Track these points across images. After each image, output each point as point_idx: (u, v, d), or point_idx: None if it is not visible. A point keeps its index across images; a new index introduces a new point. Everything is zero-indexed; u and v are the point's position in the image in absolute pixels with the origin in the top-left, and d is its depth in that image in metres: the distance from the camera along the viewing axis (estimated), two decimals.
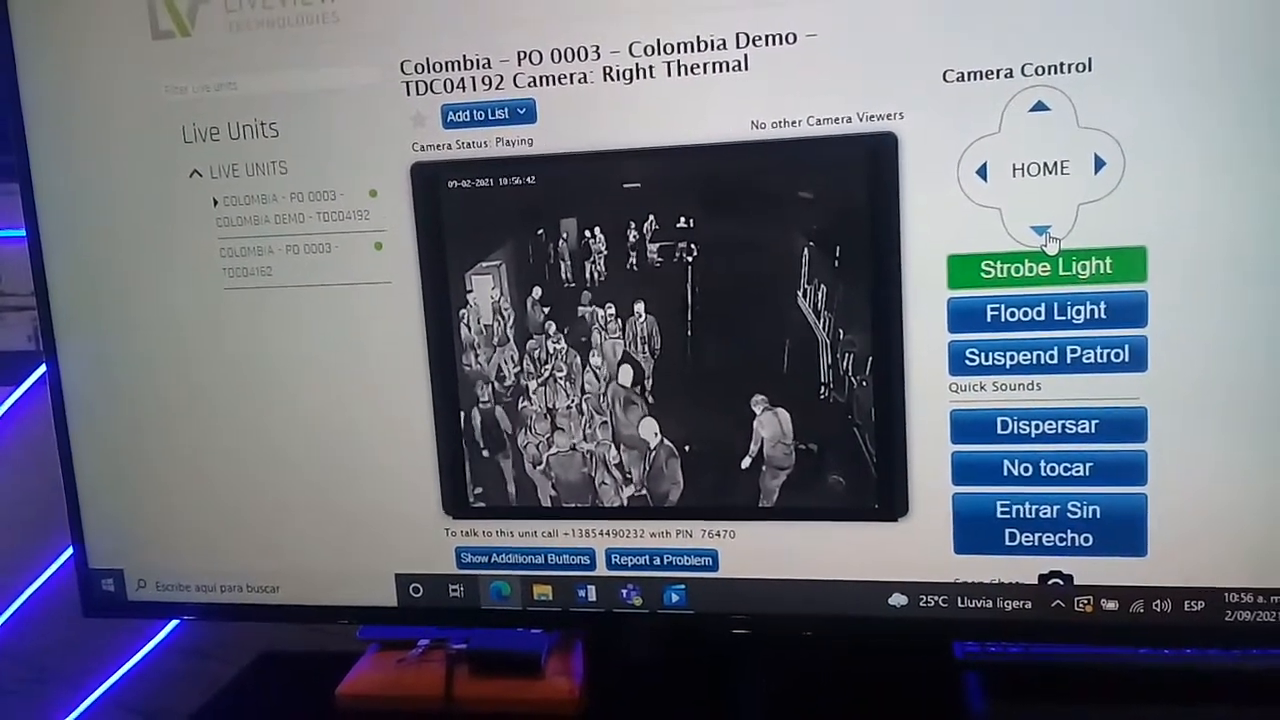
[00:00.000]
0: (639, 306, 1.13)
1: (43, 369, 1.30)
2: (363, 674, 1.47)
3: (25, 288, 1.54)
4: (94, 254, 1.25)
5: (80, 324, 1.27)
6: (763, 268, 1.11)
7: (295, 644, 1.72)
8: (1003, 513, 1.11)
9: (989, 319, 1.07)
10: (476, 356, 1.17)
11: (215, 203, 1.20)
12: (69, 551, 1.32)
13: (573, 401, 1.17)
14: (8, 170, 1.26)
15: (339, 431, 1.22)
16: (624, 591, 1.21)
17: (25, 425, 1.71)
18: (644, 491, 1.17)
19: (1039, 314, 1.06)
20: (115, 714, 1.84)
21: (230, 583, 1.28)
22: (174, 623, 1.77)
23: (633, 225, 1.12)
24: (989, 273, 1.06)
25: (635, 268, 1.12)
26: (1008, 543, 1.11)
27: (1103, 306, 1.05)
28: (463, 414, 1.19)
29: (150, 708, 1.83)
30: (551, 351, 1.16)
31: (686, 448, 1.16)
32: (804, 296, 1.10)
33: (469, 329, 1.17)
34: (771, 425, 1.14)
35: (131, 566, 1.31)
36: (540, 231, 1.13)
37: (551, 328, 1.15)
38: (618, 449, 1.17)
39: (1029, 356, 1.07)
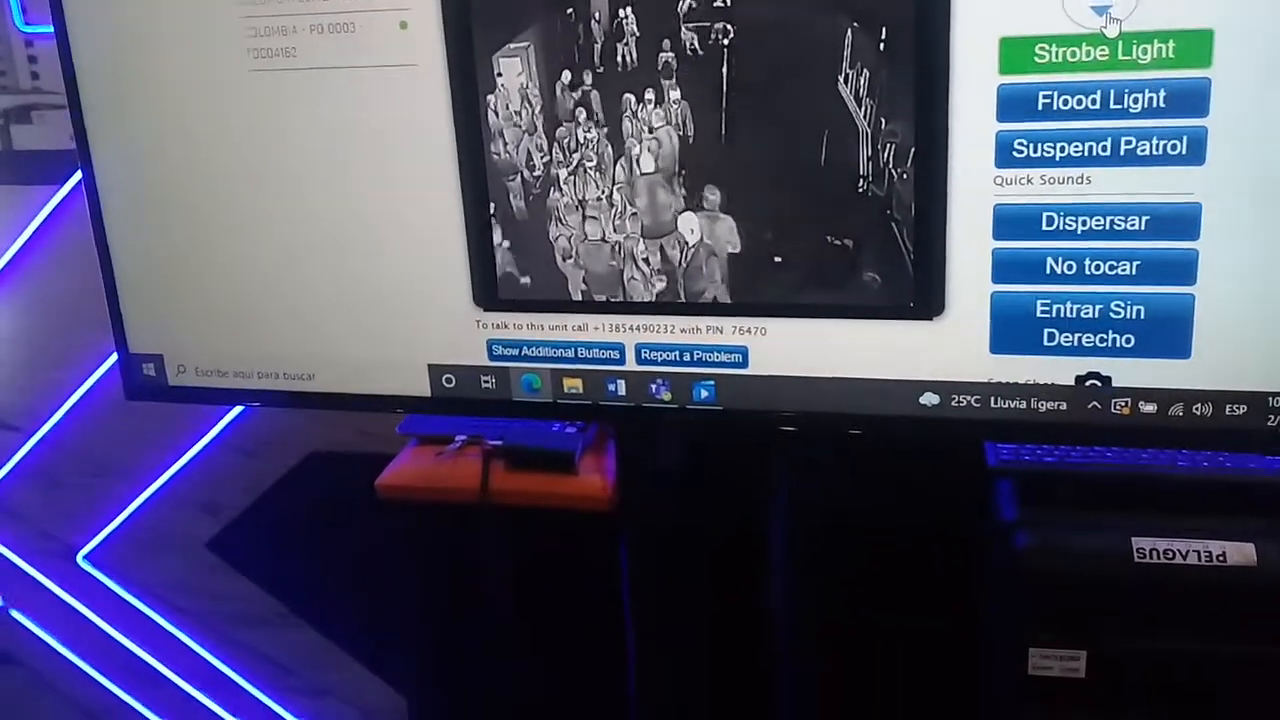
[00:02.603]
0: (673, 93, 1.09)
1: None
2: (402, 467, 1.50)
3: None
4: (121, 43, 1.22)
5: (111, 117, 1.26)
6: (802, 51, 1.05)
7: (340, 444, 1.77)
8: (1043, 312, 1.07)
9: (1040, 107, 1.01)
10: (505, 145, 1.15)
11: None
12: None
13: (603, 193, 1.14)
14: None
15: (368, 218, 1.21)
16: (653, 386, 1.20)
17: (73, 223, 1.73)
18: (676, 288, 1.15)
19: (1093, 102, 1.00)
20: (172, 506, 1.92)
21: (267, 369, 1.30)
22: (225, 420, 1.82)
23: (667, 4, 1.06)
24: (1043, 57, 1.00)
25: (669, 50, 1.07)
26: (1046, 343, 1.08)
27: (1162, 95, 0.99)
28: (492, 204, 1.17)
29: (205, 500, 1.91)
30: (581, 140, 1.13)
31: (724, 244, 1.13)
32: (845, 82, 1.05)
33: (497, 115, 1.14)
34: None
35: (171, 352, 1.33)
36: (570, 11, 1.08)
37: (582, 114, 1.12)
38: (646, 243, 1.15)
39: (1080, 148, 1.02)
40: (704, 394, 1.19)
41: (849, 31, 1.03)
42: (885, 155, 1.06)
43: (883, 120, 1.05)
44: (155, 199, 1.27)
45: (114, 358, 1.36)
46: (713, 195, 1.11)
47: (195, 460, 1.88)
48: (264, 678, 2.01)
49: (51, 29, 1.25)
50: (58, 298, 1.80)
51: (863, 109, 1.05)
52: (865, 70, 1.04)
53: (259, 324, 1.28)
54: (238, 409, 1.78)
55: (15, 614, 2.09)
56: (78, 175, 1.31)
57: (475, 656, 1.58)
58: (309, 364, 1.29)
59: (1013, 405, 1.10)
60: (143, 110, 1.24)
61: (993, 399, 1.11)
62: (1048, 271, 1.06)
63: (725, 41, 1.06)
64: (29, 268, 1.81)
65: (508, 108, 1.13)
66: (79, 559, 2.01)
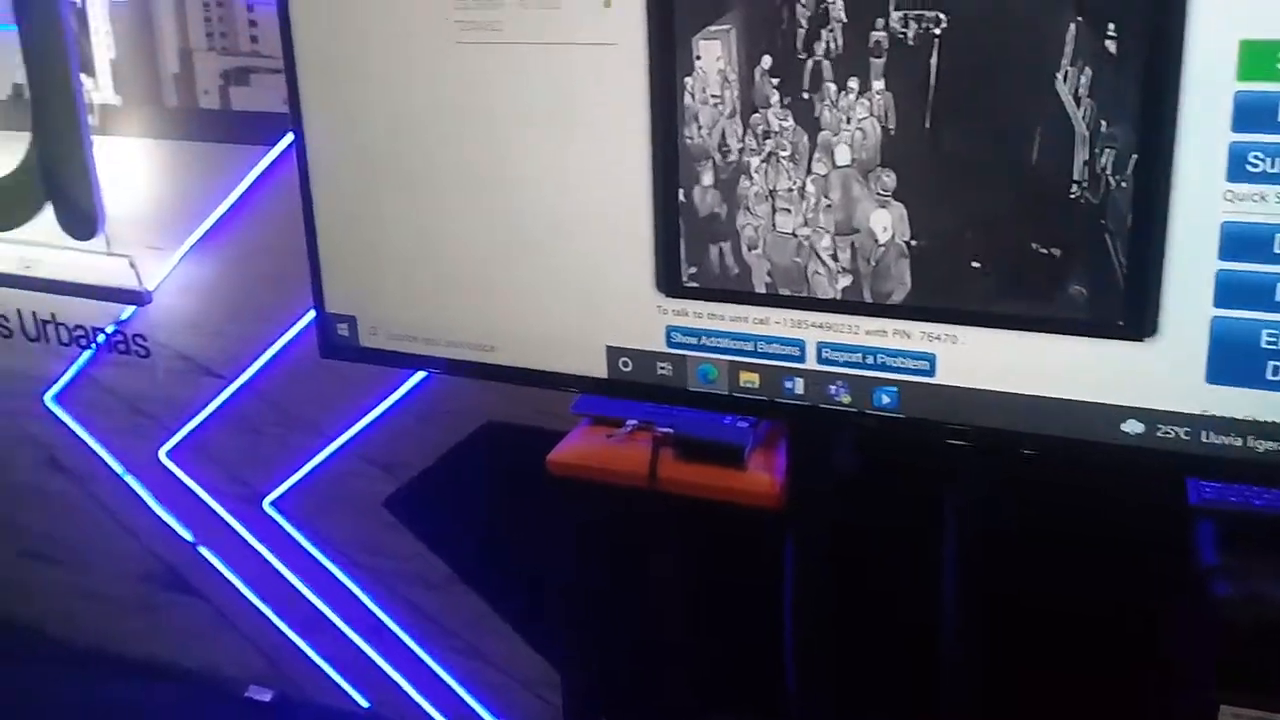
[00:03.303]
0: (876, 83, 1.04)
1: None
2: (572, 445, 1.51)
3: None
4: (336, 11, 1.26)
5: (323, 83, 1.30)
6: (1019, 45, 0.99)
7: (516, 417, 1.79)
8: (1269, 342, 0.98)
9: None
10: (699, 129, 1.12)
11: None
12: None
13: (794, 184, 1.11)
14: None
15: (559, 196, 1.21)
16: (832, 388, 1.16)
17: (282, 183, 1.80)
18: (864, 286, 1.11)
19: None
20: (353, 462, 1.98)
21: (452, 339, 1.32)
22: (409, 384, 1.87)
23: None
24: None
25: (876, 39, 1.03)
26: (1269, 376, 0.99)
27: None
28: (681, 190, 1.15)
29: (385, 460, 1.97)
30: (776, 128, 1.09)
31: (916, 243, 1.08)
32: (1063, 80, 0.98)
33: (693, 98, 1.11)
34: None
35: (364, 315, 1.37)
36: None
37: (777, 101, 1.08)
38: (833, 238, 1.10)
39: None
40: (885, 400, 1.14)
41: (1072, 26, 0.97)
42: (1103, 161, 0.99)
43: (1103, 123, 0.98)
44: (359, 165, 1.31)
45: (311, 315, 1.41)
46: (911, 191, 1.07)
47: (378, 421, 1.93)
48: (426, 635, 2.07)
49: None
50: (264, 254, 1.87)
51: (1081, 110, 0.98)
52: (1087, 69, 0.97)
53: (448, 294, 1.31)
54: (421, 374, 1.83)
55: (203, 550, 2.21)
56: (289, 138, 1.36)
57: (631, 641, 1.58)
58: (492, 337, 1.30)
59: (1226, 442, 1.02)
60: (353, 78, 1.28)
61: (1204, 433, 1.02)
62: (1278, 299, 0.97)
63: (937, 31, 1.01)
64: (240, 223, 1.90)
65: (704, 90, 1.11)
66: (265, 504, 2.11)
